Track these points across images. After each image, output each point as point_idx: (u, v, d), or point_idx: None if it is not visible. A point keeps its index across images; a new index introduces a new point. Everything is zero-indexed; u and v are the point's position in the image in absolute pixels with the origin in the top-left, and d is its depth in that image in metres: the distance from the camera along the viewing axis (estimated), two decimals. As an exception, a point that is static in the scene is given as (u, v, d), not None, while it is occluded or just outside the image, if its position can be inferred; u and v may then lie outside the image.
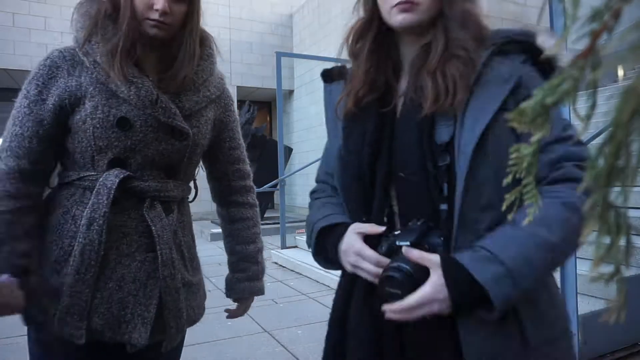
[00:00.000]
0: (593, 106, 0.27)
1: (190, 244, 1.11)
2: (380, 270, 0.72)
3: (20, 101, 0.95)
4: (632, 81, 0.27)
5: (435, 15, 0.78)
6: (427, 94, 0.74)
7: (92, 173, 0.95)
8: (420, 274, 0.67)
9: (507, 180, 0.35)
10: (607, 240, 0.25)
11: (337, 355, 0.86)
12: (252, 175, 1.23)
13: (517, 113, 0.27)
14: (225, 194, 1.20)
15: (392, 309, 0.68)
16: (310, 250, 0.95)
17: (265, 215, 8.11)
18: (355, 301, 0.86)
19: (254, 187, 1.24)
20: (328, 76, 1.00)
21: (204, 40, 1.10)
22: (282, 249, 5.39)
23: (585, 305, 2.31)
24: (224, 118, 1.13)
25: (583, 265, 2.23)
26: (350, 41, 0.92)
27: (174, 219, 1.02)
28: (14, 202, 0.91)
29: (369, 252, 0.76)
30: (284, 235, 5.47)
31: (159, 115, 0.95)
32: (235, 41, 10.57)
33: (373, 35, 0.85)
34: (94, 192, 0.92)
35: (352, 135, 0.85)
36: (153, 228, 0.95)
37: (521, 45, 0.74)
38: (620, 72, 6.25)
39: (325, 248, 0.89)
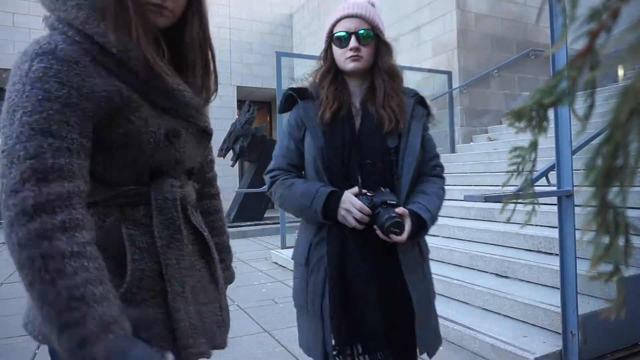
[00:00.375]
0: (591, 106, 0.27)
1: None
2: (362, 215, 1.22)
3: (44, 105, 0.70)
4: (630, 82, 0.27)
5: (371, 66, 1.37)
6: (383, 119, 1.31)
7: (132, 187, 0.83)
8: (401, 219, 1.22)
9: (507, 178, 0.35)
10: (605, 239, 0.25)
11: (339, 288, 1.26)
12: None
13: (515, 113, 0.27)
14: (202, 186, 1.11)
15: (400, 239, 1.22)
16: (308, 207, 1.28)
17: (265, 215, 8.11)
18: (353, 246, 1.27)
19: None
20: (303, 95, 1.38)
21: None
22: (282, 249, 5.39)
23: (585, 305, 2.32)
24: None
25: (583, 264, 2.23)
26: (317, 80, 1.39)
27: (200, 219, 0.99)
28: (89, 232, 0.71)
29: (358, 202, 1.23)
30: (284, 235, 5.47)
31: (199, 122, 0.89)
32: (235, 41, 10.58)
33: (331, 77, 1.36)
34: (156, 208, 0.82)
35: (334, 136, 1.30)
36: (205, 234, 0.93)
37: (419, 96, 1.48)
38: (621, 72, 6.24)
39: (329, 204, 1.26)
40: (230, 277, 1.12)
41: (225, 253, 1.11)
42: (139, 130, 0.79)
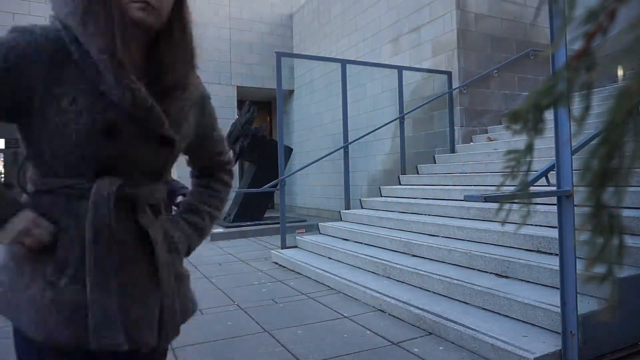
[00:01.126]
0: (587, 108, 0.27)
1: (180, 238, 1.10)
2: None
3: None
4: (625, 83, 0.27)
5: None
6: None
7: (80, 181, 0.88)
8: None
9: (502, 180, 0.35)
10: (600, 241, 0.25)
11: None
12: (231, 162, 1.23)
13: (512, 116, 0.27)
14: (200, 174, 1.20)
15: None
16: None
17: (265, 215, 8.11)
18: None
19: (231, 170, 1.22)
20: None
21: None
22: (282, 249, 5.39)
23: (585, 305, 2.32)
24: (206, 120, 1.11)
25: (583, 264, 2.23)
26: None
27: (162, 219, 1.02)
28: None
29: None
30: (284, 235, 5.47)
31: (149, 125, 0.91)
32: (235, 41, 10.57)
33: None
34: (91, 202, 0.87)
35: None
36: (150, 232, 0.95)
37: None
38: (620, 73, 6.24)
39: None
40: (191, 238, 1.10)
41: (198, 218, 1.11)
42: (74, 121, 0.84)
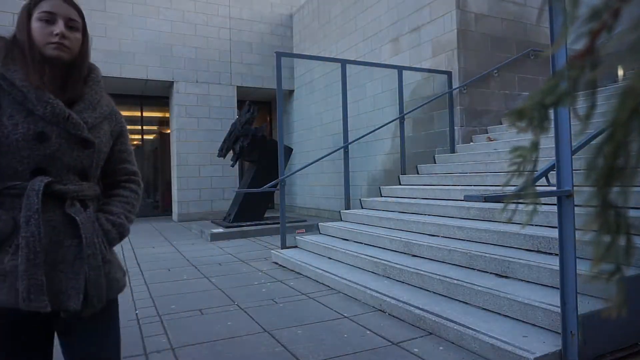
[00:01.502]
0: (592, 106, 0.27)
1: None
2: None
3: None
4: (630, 81, 0.26)
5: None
6: None
7: (18, 182, 1.15)
8: None
9: (508, 178, 0.35)
10: (607, 239, 0.25)
11: None
12: (137, 173, 1.45)
13: (517, 113, 0.27)
14: (110, 187, 1.41)
15: None
16: None
17: (265, 215, 8.11)
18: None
19: (137, 180, 1.44)
20: None
21: (93, 69, 1.34)
22: (282, 249, 5.39)
23: (585, 305, 2.32)
24: (117, 129, 1.38)
25: (583, 264, 2.23)
26: None
27: (91, 212, 1.25)
28: None
29: None
30: (284, 235, 5.47)
31: (70, 129, 1.18)
32: (235, 41, 10.57)
33: None
34: (25, 195, 1.12)
35: None
36: (77, 219, 1.19)
37: None
38: (620, 72, 6.24)
39: None
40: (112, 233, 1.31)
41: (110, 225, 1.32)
42: (13, 132, 1.12)
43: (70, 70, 1.25)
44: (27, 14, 1.22)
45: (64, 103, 1.19)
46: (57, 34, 1.19)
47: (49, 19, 1.20)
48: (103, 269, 1.22)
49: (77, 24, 1.25)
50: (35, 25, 1.20)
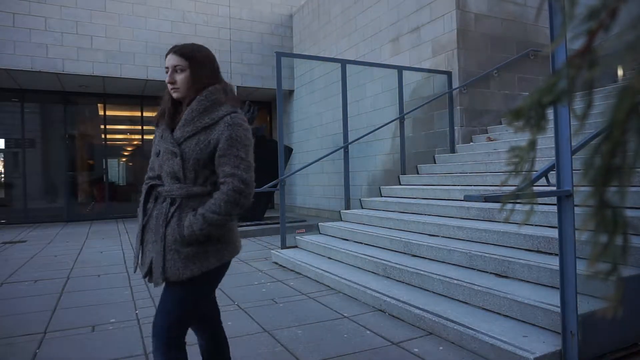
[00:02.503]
0: (589, 106, 0.27)
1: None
2: None
3: None
4: (628, 81, 0.27)
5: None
6: None
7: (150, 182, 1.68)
8: None
9: (506, 177, 0.35)
10: (604, 238, 0.25)
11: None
12: (233, 174, 1.57)
13: (514, 112, 0.27)
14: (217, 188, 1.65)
15: None
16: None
17: (265, 215, 8.11)
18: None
19: (229, 181, 1.56)
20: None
21: (209, 87, 1.64)
22: (282, 249, 5.39)
23: (585, 305, 2.32)
24: (216, 137, 1.57)
25: (583, 264, 2.23)
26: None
27: (176, 207, 1.56)
28: None
29: None
30: (284, 235, 5.47)
31: (167, 145, 1.59)
32: (235, 41, 10.57)
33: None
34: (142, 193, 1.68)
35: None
36: (154, 212, 1.60)
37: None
38: (620, 72, 6.24)
39: None
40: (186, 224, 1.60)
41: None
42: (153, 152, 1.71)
43: (184, 99, 1.63)
44: None
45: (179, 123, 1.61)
46: (168, 82, 1.61)
47: (167, 72, 1.63)
48: (163, 255, 1.53)
49: (181, 67, 1.60)
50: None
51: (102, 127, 11.11)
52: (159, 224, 1.55)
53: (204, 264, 1.55)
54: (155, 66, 9.69)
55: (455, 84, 6.32)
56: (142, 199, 1.64)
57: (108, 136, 11.30)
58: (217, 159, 1.56)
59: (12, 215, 10.19)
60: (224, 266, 1.64)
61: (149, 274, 1.58)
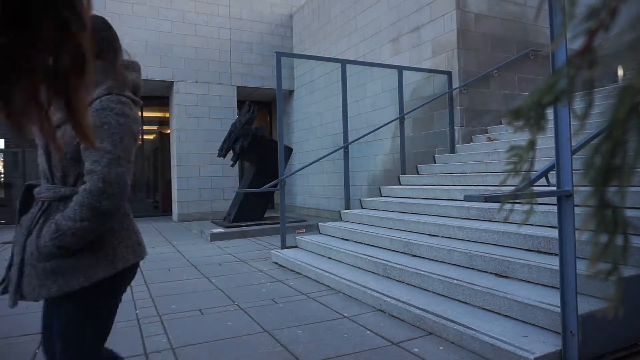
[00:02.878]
0: (589, 105, 0.27)
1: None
2: None
3: None
4: (628, 80, 0.26)
5: None
6: None
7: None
8: None
9: (505, 177, 0.35)
10: (604, 238, 0.25)
11: None
12: (91, 171, 1.30)
13: (514, 112, 0.27)
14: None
15: None
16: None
17: (265, 215, 8.11)
18: None
19: (92, 181, 1.28)
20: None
21: None
22: (282, 249, 5.39)
23: (585, 305, 2.32)
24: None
25: (583, 264, 2.23)
26: None
27: (42, 213, 1.32)
28: None
29: None
30: (284, 235, 5.47)
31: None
32: (235, 41, 10.57)
33: None
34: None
35: None
36: (22, 219, 1.38)
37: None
38: (620, 72, 6.24)
39: None
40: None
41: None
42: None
43: None
44: None
45: None
46: None
47: None
48: (20, 269, 1.29)
49: None
50: None
51: (102, 127, 11.10)
52: (21, 232, 1.33)
53: (69, 283, 1.25)
54: (155, 66, 9.69)
55: (455, 84, 6.32)
56: (18, 200, 1.37)
57: (108, 136, 11.28)
58: (82, 153, 1.29)
59: (12, 215, 10.19)
60: (122, 274, 1.36)
61: (5, 291, 1.33)
